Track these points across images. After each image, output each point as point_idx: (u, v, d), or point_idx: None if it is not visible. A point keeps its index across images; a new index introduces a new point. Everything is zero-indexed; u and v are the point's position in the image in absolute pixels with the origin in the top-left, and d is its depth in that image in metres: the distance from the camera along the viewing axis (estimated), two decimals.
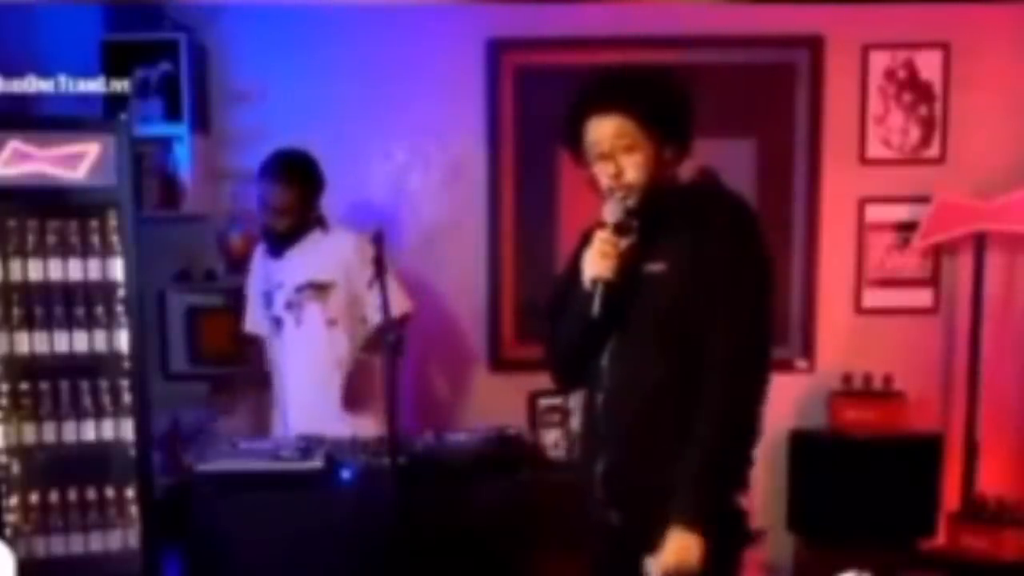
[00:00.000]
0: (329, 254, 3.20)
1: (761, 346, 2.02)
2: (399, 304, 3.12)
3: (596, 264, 1.99)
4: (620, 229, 2.00)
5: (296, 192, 3.12)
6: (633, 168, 2.00)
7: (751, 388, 1.98)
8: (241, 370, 3.61)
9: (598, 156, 2.04)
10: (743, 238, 2.01)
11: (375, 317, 3.22)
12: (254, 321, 3.36)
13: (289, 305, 3.20)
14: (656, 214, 2.03)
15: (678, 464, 1.94)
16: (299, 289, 3.18)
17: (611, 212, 2.01)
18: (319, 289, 3.19)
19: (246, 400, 3.53)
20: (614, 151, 2.01)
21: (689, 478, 1.93)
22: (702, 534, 1.91)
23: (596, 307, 1.97)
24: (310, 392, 3.18)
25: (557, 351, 2.19)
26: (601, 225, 2.01)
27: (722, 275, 1.97)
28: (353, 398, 3.17)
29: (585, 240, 2.10)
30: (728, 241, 1.99)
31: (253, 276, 3.35)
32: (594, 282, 1.98)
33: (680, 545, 1.92)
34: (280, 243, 3.18)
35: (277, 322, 3.23)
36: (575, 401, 2.86)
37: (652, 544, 1.96)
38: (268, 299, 3.25)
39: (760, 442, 2.01)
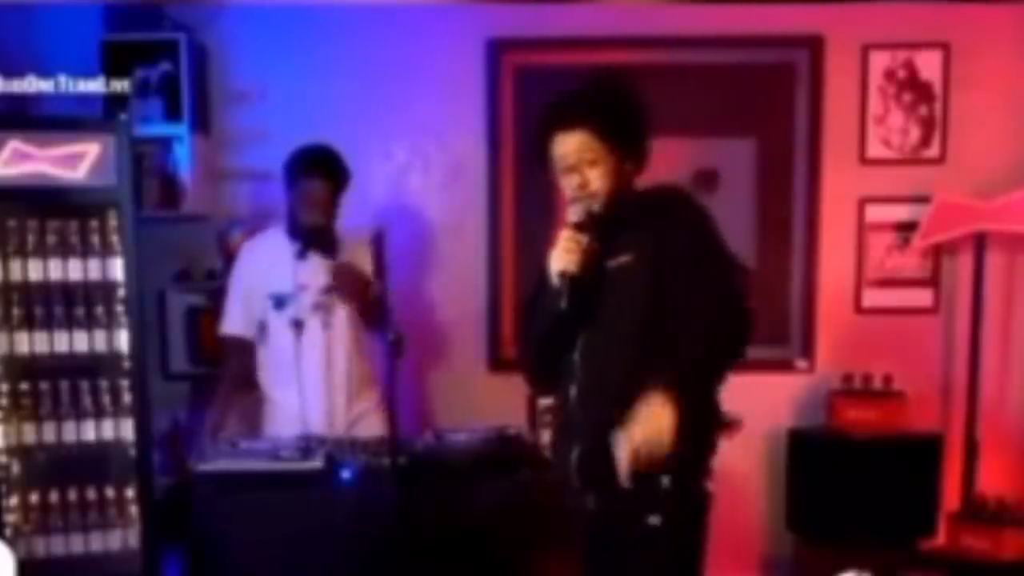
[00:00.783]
0: (348, 256, 3.19)
1: (740, 305, 2.15)
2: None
3: (561, 259, 2.13)
4: (581, 227, 2.15)
5: (330, 185, 3.12)
6: (597, 179, 2.16)
7: (739, 331, 2.13)
8: (230, 373, 3.38)
9: (564, 169, 2.19)
10: (705, 229, 2.18)
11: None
12: (248, 323, 3.25)
13: (317, 307, 3.15)
14: (617, 218, 2.18)
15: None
16: (327, 291, 3.14)
17: (574, 213, 2.18)
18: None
19: (233, 405, 3.40)
20: (579, 164, 2.16)
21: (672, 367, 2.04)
22: (675, 408, 1.99)
23: (564, 300, 2.10)
24: (335, 392, 3.16)
25: (529, 351, 2.31)
26: (565, 226, 2.18)
27: (689, 266, 2.12)
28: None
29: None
30: (693, 230, 2.16)
31: (252, 277, 3.24)
32: (561, 276, 2.12)
33: (652, 412, 1.99)
34: (310, 241, 3.11)
35: (297, 325, 3.14)
36: None
37: (628, 526, 2.10)
38: (281, 301, 3.15)
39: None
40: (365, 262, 3.22)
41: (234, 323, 3.28)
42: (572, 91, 2.25)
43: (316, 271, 3.13)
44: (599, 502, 2.17)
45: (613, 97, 2.22)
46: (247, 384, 3.30)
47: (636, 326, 2.12)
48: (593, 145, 2.14)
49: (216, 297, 3.60)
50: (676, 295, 2.10)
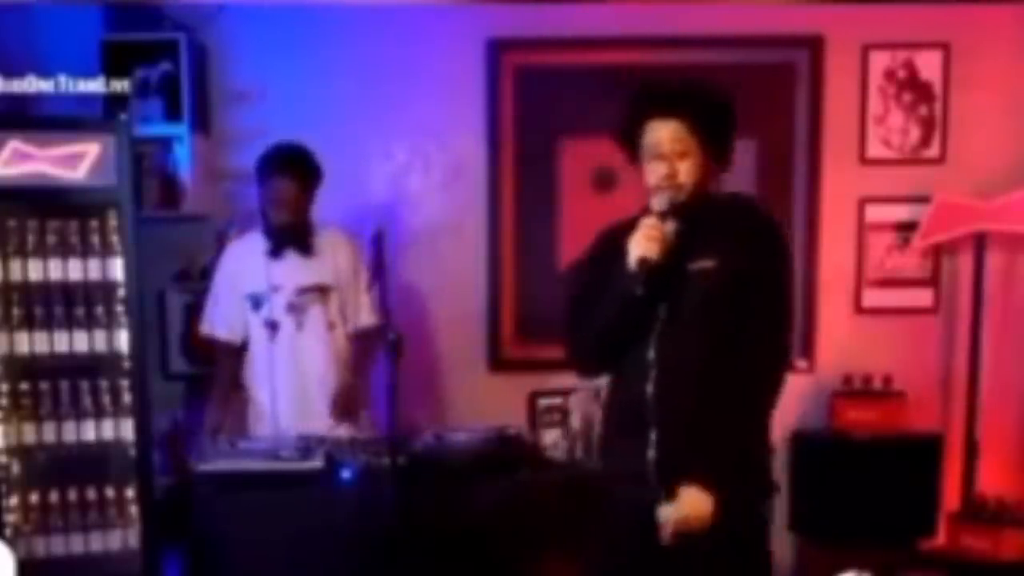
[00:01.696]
0: (328, 256, 3.20)
1: (786, 350, 2.32)
2: (369, 316, 3.22)
3: (642, 246, 2.14)
4: (664, 217, 2.17)
5: (299, 184, 3.12)
6: (685, 171, 2.17)
7: (770, 385, 2.22)
8: (217, 373, 3.39)
9: (654, 156, 2.19)
10: (783, 257, 2.28)
11: (365, 320, 3.24)
12: (227, 324, 3.25)
13: (291, 308, 3.17)
14: (698, 217, 2.20)
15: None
16: (302, 292, 3.16)
17: (658, 202, 2.18)
18: (322, 292, 3.19)
19: (229, 405, 3.35)
20: (671, 154, 2.17)
21: (715, 446, 2.12)
22: (715, 490, 2.08)
23: (640, 286, 2.13)
24: (309, 397, 3.18)
25: (587, 335, 2.32)
26: (647, 213, 2.19)
27: (765, 287, 2.20)
28: (342, 408, 3.18)
29: (601, 240, 2.34)
30: (773, 257, 2.24)
31: (230, 278, 3.24)
32: (641, 262, 2.13)
33: (693, 499, 2.09)
34: (281, 241, 3.15)
35: (271, 326, 3.16)
36: (575, 401, 2.87)
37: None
38: (258, 302, 3.17)
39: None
40: (344, 258, 3.23)
41: (210, 323, 3.29)
42: (671, 80, 2.28)
43: (291, 271, 3.15)
44: (673, 496, 2.18)
45: (710, 94, 2.24)
46: (236, 384, 3.31)
47: (713, 329, 2.17)
48: (687, 137, 2.16)
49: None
50: (745, 317, 2.17)
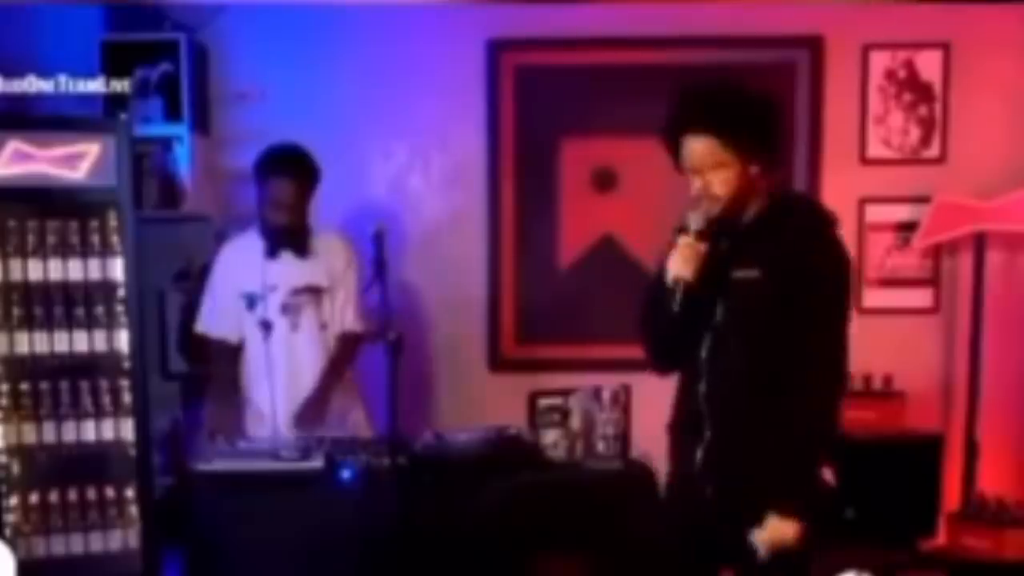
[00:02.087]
0: (323, 257, 3.20)
1: (843, 368, 2.34)
2: (354, 321, 3.23)
3: (677, 265, 2.19)
4: (701, 235, 2.20)
5: (298, 185, 3.11)
6: (720, 183, 2.18)
7: (836, 394, 2.31)
8: (214, 372, 3.37)
9: (690, 169, 2.22)
10: (834, 251, 2.28)
11: (349, 324, 3.27)
12: (223, 323, 3.23)
13: (285, 308, 3.17)
14: (744, 224, 2.24)
15: (774, 453, 2.17)
16: (296, 292, 3.16)
17: (694, 220, 2.21)
18: (315, 293, 3.19)
19: (229, 404, 3.32)
20: (703, 167, 2.18)
21: (787, 471, 2.18)
22: (798, 519, 2.16)
23: (676, 304, 2.19)
24: (302, 397, 3.17)
25: (651, 336, 2.38)
26: (684, 230, 2.22)
27: (818, 289, 2.21)
28: (304, 415, 3.17)
29: (674, 235, 2.31)
30: (820, 255, 2.24)
31: (226, 277, 3.23)
32: (675, 281, 2.19)
33: (779, 526, 2.16)
34: (280, 241, 3.15)
35: (265, 326, 3.15)
36: (575, 401, 2.88)
37: (741, 514, 2.20)
38: (252, 301, 3.16)
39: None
40: (339, 261, 3.23)
41: (204, 322, 3.28)
42: (699, 92, 2.27)
43: (286, 272, 3.15)
44: (717, 493, 2.26)
45: (739, 100, 2.22)
46: (233, 384, 3.28)
47: (757, 338, 2.21)
48: (717, 150, 2.16)
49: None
50: (796, 324, 2.18)
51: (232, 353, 3.27)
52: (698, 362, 2.28)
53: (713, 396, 2.27)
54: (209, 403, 3.31)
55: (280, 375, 3.17)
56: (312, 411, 3.15)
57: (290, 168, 3.11)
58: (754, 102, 2.22)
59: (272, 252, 3.16)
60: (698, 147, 2.17)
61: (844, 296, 2.30)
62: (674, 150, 2.26)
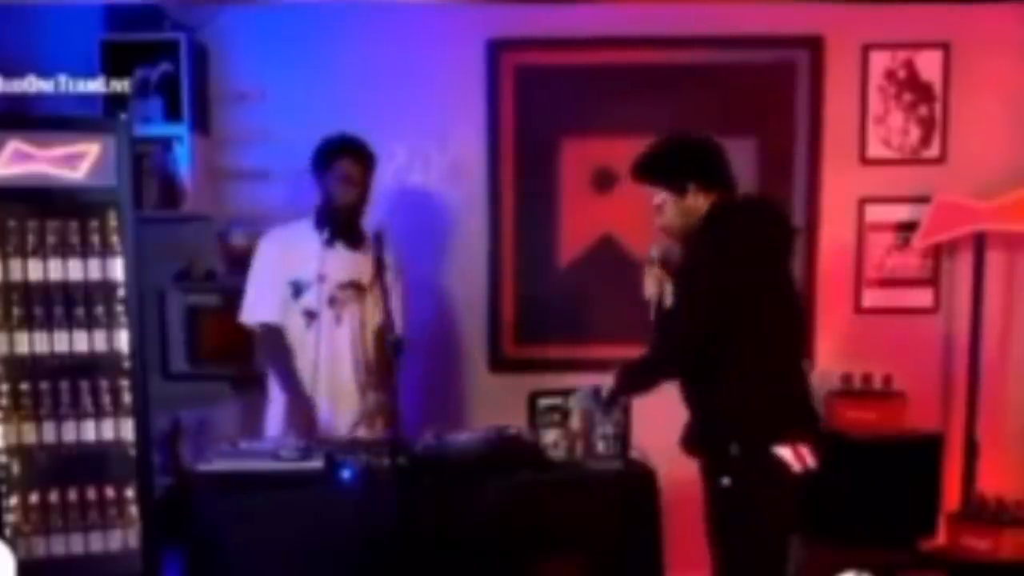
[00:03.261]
0: (370, 255, 3.20)
1: (685, 325, 2.59)
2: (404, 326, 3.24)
3: (646, 287, 2.72)
4: (664, 263, 2.70)
5: (364, 164, 3.18)
6: (665, 217, 2.66)
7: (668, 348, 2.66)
8: (278, 361, 3.23)
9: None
10: (707, 235, 2.56)
11: (401, 328, 3.24)
12: (270, 309, 3.17)
13: (332, 300, 3.16)
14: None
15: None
16: (343, 286, 3.14)
17: (654, 249, 2.74)
18: (359, 290, 3.18)
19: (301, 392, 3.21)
20: (656, 208, 2.67)
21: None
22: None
23: (652, 316, 2.69)
24: (341, 393, 3.17)
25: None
26: (650, 261, 2.72)
27: (687, 266, 2.62)
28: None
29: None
30: (699, 246, 2.58)
31: (275, 263, 3.18)
32: (648, 299, 2.70)
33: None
34: (339, 227, 3.12)
35: (310, 315, 3.14)
36: (575, 401, 2.88)
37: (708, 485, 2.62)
38: (299, 289, 3.14)
39: None
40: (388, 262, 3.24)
41: (250, 310, 3.21)
42: (638, 157, 2.70)
43: (338, 264, 3.13)
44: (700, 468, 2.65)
45: (651, 150, 2.67)
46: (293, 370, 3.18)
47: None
48: (655, 192, 2.65)
49: (227, 297, 3.61)
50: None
51: (282, 337, 3.19)
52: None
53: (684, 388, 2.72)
54: (290, 392, 3.16)
55: (321, 367, 3.15)
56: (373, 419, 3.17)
57: (357, 148, 3.18)
58: (657, 146, 2.66)
59: (330, 240, 3.13)
60: (650, 192, 2.67)
61: (701, 270, 2.54)
62: None
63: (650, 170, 2.67)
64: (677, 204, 2.61)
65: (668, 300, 2.63)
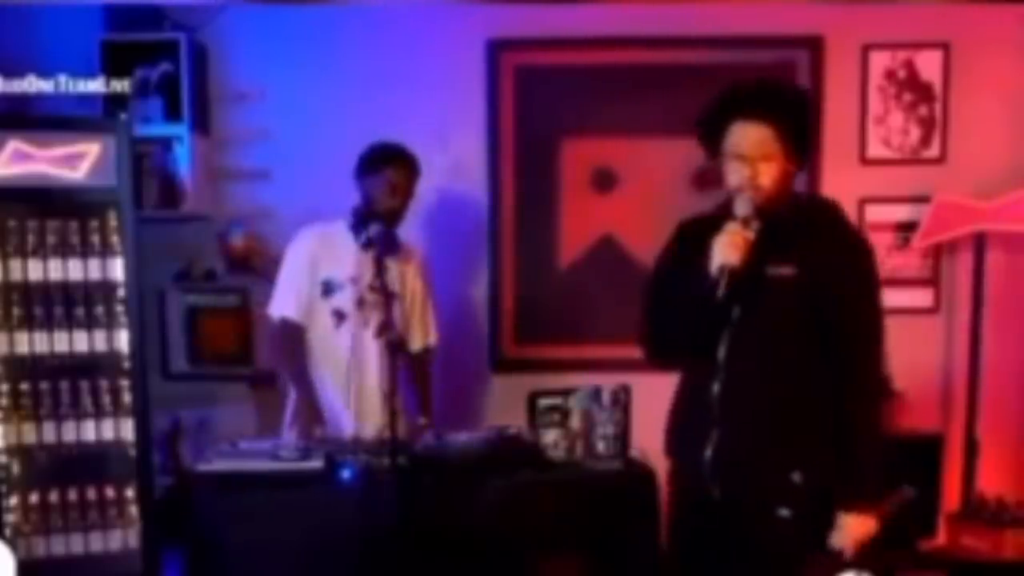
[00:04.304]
0: (400, 263, 3.24)
1: (882, 365, 2.36)
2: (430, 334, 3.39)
3: (725, 252, 2.15)
4: (747, 223, 2.19)
5: (410, 172, 3.22)
6: (767, 175, 2.18)
7: (881, 398, 2.36)
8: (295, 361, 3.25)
9: (737, 156, 2.20)
10: (870, 259, 2.27)
11: (433, 338, 3.42)
12: (300, 307, 3.18)
13: (361, 303, 3.16)
14: (780, 221, 2.22)
15: (794, 455, 2.23)
16: (373, 289, 3.12)
17: (742, 207, 2.19)
18: (388, 296, 3.18)
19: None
20: (753, 156, 2.18)
21: (853, 470, 2.22)
22: (875, 513, 2.23)
23: (722, 291, 2.15)
24: (367, 394, 3.17)
25: (667, 333, 2.34)
26: (731, 217, 2.20)
27: (855, 289, 2.22)
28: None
29: (683, 234, 2.35)
30: (856, 257, 2.25)
31: (309, 261, 3.19)
32: (722, 268, 2.15)
33: (859, 523, 2.22)
34: (385, 223, 3.12)
35: (339, 315, 3.16)
36: (575, 401, 2.88)
37: (755, 515, 2.23)
38: (330, 288, 3.16)
39: None
40: (411, 271, 3.33)
41: (281, 306, 3.21)
42: (757, 82, 2.29)
43: (371, 267, 3.10)
44: (726, 493, 2.27)
45: (795, 98, 2.31)
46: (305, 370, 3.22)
47: (789, 338, 2.22)
48: (771, 141, 2.17)
49: (227, 297, 3.66)
50: (831, 325, 2.21)
51: (300, 335, 3.21)
52: (714, 361, 2.26)
53: (728, 396, 2.24)
54: (301, 390, 3.20)
55: (348, 368, 3.17)
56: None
57: (404, 157, 3.21)
58: (806, 101, 2.29)
59: (367, 243, 3.10)
60: (753, 134, 2.17)
61: (880, 302, 2.28)
62: (712, 136, 2.25)
63: (795, 115, 2.22)
64: (784, 167, 2.21)
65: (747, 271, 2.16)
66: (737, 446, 2.25)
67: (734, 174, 2.21)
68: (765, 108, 2.18)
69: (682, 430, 2.41)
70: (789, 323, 2.21)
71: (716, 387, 2.25)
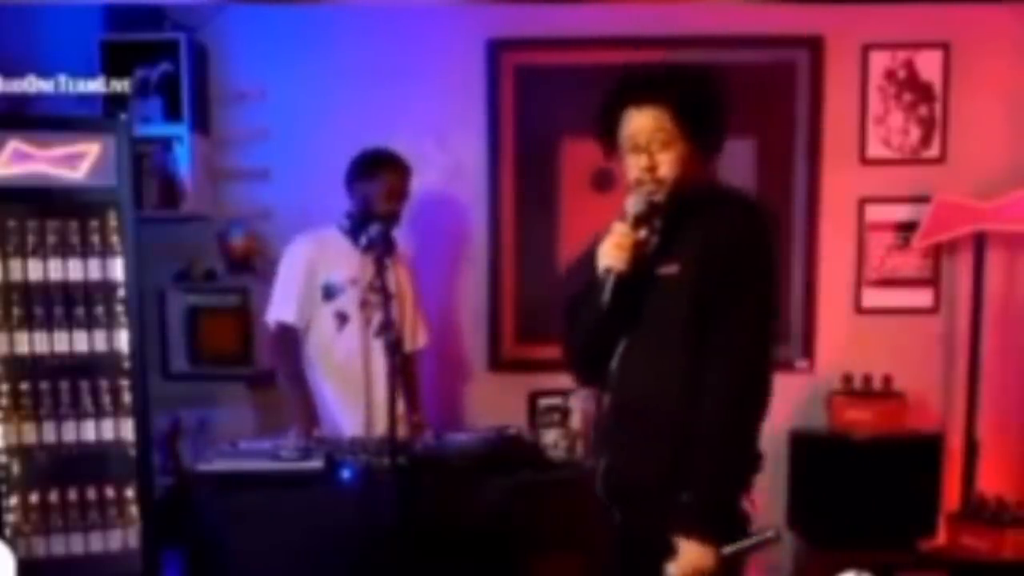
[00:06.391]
0: (397, 265, 3.26)
1: (760, 369, 2.00)
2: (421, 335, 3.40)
3: (610, 254, 2.00)
4: (639, 222, 2.01)
5: (404, 177, 3.27)
6: (667, 164, 2.00)
7: (750, 405, 1.98)
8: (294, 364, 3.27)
9: (633, 148, 2.03)
10: (760, 271, 2.01)
11: (423, 340, 3.44)
12: (299, 312, 3.19)
13: (363, 304, 3.18)
14: (678, 214, 2.03)
15: (686, 474, 1.95)
16: (374, 290, 3.14)
17: (633, 204, 2.02)
18: (386, 297, 3.19)
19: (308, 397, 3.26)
20: (650, 144, 2.00)
21: (697, 491, 1.94)
22: (715, 544, 1.94)
23: (606, 296, 1.97)
24: (374, 398, 3.15)
25: (573, 344, 2.20)
26: (621, 216, 2.02)
27: (728, 289, 1.95)
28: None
29: (591, 243, 2.14)
30: (747, 270, 1.98)
31: (308, 265, 3.20)
32: (606, 271, 1.99)
33: (694, 554, 1.94)
34: (383, 225, 3.11)
35: (341, 317, 3.18)
36: (575, 401, 2.87)
37: (653, 541, 1.98)
38: (331, 292, 3.18)
39: (762, 447, 2.03)
40: (405, 273, 3.37)
41: (283, 310, 3.22)
42: (650, 66, 2.11)
43: (370, 269, 3.13)
44: (623, 515, 2.11)
45: (693, 77, 2.05)
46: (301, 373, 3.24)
47: (673, 343, 1.98)
48: (667, 126, 1.98)
49: (227, 297, 3.68)
50: (709, 327, 1.95)
51: (297, 339, 3.23)
52: (609, 372, 2.08)
53: (618, 408, 2.07)
54: (297, 396, 3.21)
55: (352, 369, 3.18)
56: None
57: (398, 162, 3.26)
58: (706, 79, 2.06)
59: (369, 244, 3.11)
60: (647, 122, 1.99)
61: (769, 301, 2.02)
62: (609, 130, 2.08)
63: (690, 95, 2.00)
64: (687, 154, 2.00)
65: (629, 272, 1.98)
66: (626, 461, 2.06)
67: (632, 167, 2.03)
68: (658, 90, 1.98)
69: (593, 444, 2.30)
70: (676, 328, 1.97)
71: (607, 400, 2.10)
